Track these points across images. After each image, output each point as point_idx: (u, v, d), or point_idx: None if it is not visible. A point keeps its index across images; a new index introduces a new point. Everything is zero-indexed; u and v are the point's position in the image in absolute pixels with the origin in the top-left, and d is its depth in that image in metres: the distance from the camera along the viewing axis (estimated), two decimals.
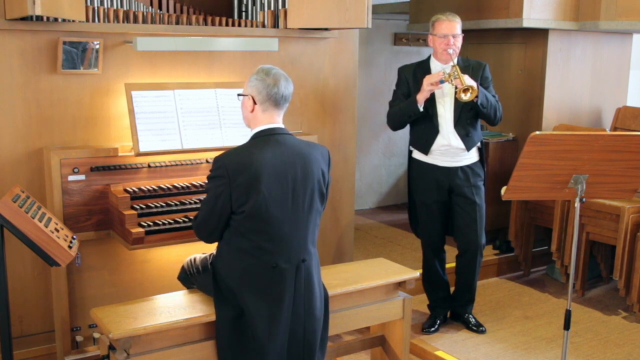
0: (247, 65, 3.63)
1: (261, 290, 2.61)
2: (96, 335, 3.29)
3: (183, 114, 3.35)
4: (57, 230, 2.75)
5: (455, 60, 3.58)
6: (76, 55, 3.16)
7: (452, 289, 4.07)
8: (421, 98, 3.61)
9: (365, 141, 6.37)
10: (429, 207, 3.83)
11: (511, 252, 4.94)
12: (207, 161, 3.40)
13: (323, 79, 3.95)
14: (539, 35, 4.83)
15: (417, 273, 3.29)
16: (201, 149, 3.36)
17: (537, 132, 2.73)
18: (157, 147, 3.24)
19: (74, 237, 2.90)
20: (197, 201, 3.24)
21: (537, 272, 5.00)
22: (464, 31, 3.73)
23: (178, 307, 2.75)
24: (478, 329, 3.93)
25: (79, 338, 3.28)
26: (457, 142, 3.68)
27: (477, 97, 3.51)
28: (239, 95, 2.74)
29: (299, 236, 2.66)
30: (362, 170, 6.44)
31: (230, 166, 2.54)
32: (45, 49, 3.12)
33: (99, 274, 3.33)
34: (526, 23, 4.55)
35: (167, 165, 3.33)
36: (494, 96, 3.71)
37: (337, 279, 3.12)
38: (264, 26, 3.71)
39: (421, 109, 3.63)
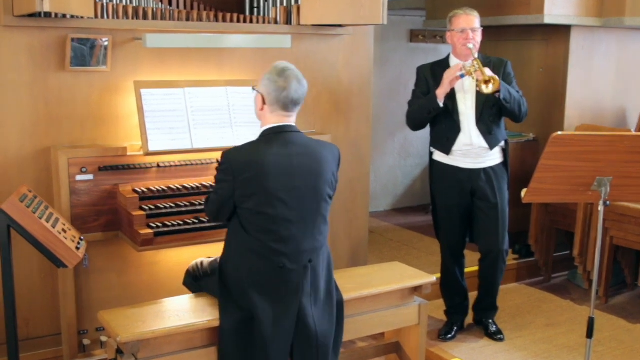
0: (258, 62, 3.65)
1: (267, 290, 2.64)
2: (104, 338, 3.32)
3: (193, 112, 3.37)
4: (65, 231, 2.78)
5: (476, 55, 3.57)
6: (85, 53, 3.18)
7: (470, 294, 4.06)
8: (441, 93, 3.59)
9: (380, 141, 6.37)
10: (450, 210, 3.81)
11: (531, 256, 4.91)
12: (217, 161, 3.40)
13: (337, 76, 3.95)
14: (561, 31, 4.80)
15: (434, 277, 3.28)
16: (212, 148, 3.38)
17: (559, 133, 2.72)
18: (167, 146, 3.26)
19: (82, 238, 2.92)
20: None
21: (559, 277, 4.97)
22: (482, 28, 3.72)
23: (187, 310, 2.76)
24: (496, 336, 3.92)
25: (86, 341, 3.31)
26: (480, 140, 3.66)
27: (499, 91, 3.49)
28: (253, 88, 2.77)
29: (306, 237, 2.67)
30: (377, 171, 6.44)
31: (236, 163, 2.59)
32: (54, 46, 3.16)
33: (107, 276, 3.35)
34: (548, 19, 4.52)
35: (176, 165, 3.35)
36: (517, 92, 3.69)
37: (350, 283, 3.12)
38: (276, 23, 3.72)
39: (441, 105, 3.60)
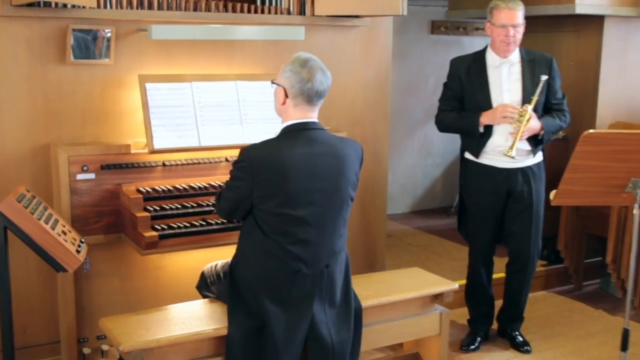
0: (270, 55, 3.64)
1: (279, 295, 2.64)
2: (105, 347, 3.31)
3: (201, 108, 3.36)
4: (65, 233, 2.78)
5: (530, 108, 3.49)
6: (86, 44, 3.19)
7: (496, 302, 4.01)
8: (485, 122, 3.56)
9: (398, 139, 6.34)
10: (484, 213, 3.75)
11: (561, 263, 4.87)
12: (226, 159, 3.41)
13: (353, 71, 3.93)
14: (594, 22, 4.75)
15: (456, 285, 3.27)
16: (220, 146, 3.37)
17: (591, 131, 2.71)
18: (173, 144, 3.26)
19: (82, 240, 2.92)
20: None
21: (590, 285, 4.92)
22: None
23: (194, 317, 2.76)
24: (523, 348, 3.87)
25: (86, 350, 3.31)
26: (524, 144, 3.60)
27: (541, 137, 3.58)
28: (272, 82, 2.75)
29: (325, 240, 2.67)
30: (395, 171, 6.41)
31: (256, 161, 2.57)
32: (54, 38, 3.16)
33: (109, 281, 3.36)
34: (579, 9, 4.48)
35: (183, 164, 3.35)
36: (562, 98, 3.69)
37: (368, 289, 3.10)
38: (289, 13, 3.71)
39: (481, 131, 3.59)
